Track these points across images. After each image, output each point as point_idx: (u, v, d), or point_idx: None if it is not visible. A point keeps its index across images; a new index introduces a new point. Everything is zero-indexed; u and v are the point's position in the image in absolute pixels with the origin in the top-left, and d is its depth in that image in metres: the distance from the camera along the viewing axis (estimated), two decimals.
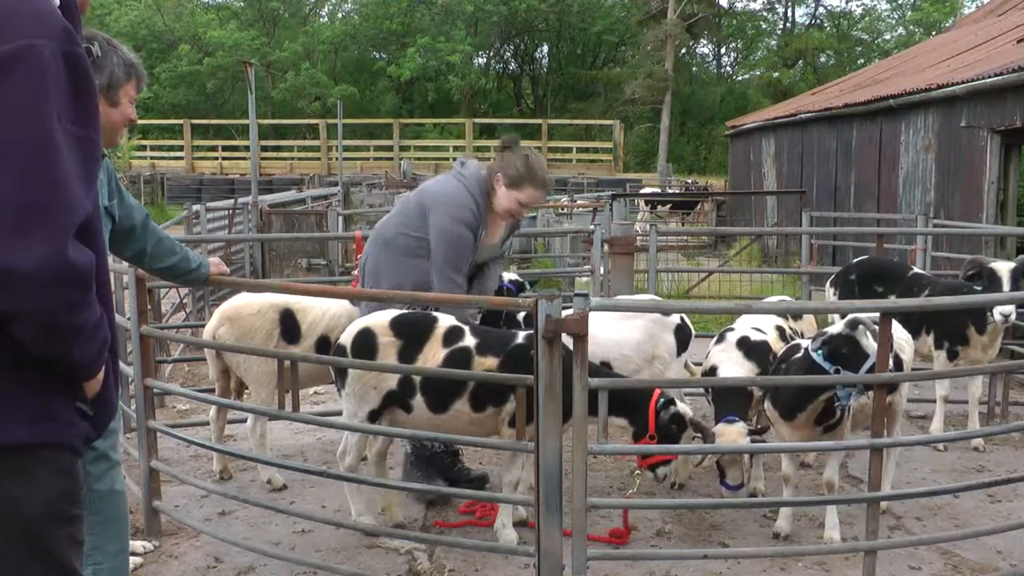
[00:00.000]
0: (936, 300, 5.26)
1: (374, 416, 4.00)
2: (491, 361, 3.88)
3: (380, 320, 4.05)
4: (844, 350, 3.67)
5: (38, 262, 1.64)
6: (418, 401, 3.95)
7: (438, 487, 4.31)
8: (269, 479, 4.95)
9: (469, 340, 3.95)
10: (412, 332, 3.98)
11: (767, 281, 10.97)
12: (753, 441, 4.21)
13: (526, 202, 4.44)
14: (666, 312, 4.91)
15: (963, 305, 5.40)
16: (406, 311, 4.16)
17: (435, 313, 4.13)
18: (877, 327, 3.52)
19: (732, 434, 4.22)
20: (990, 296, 5.19)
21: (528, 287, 5.67)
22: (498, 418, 3.96)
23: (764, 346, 4.66)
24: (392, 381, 3.96)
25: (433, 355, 3.92)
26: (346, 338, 4.06)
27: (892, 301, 5.35)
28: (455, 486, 4.51)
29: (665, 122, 36.13)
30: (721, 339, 4.78)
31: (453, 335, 3.96)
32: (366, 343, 3.97)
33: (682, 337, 5.02)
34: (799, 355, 4.05)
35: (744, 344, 4.65)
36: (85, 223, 1.76)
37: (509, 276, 5.59)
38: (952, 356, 5.71)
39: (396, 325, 4.01)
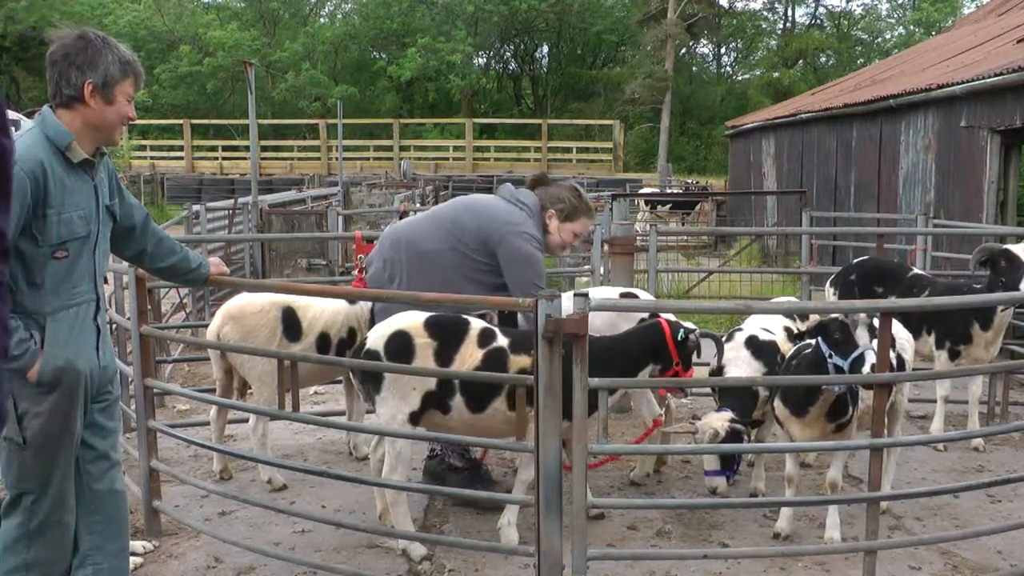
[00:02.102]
0: (937, 300, 5.26)
1: (415, 418, 3.90)
2: (525, 359, 3.83)
3: (413, 321, 3.93)
4: (837, 336, 3.75)
5: None
6: (457, 402, 3.89)
7: (438, 487, 4.30)
8: (269, 479, 4.95)
9: (502, 340, 3.92)
10: (448, 333, 3.91)
11: (767, 281, 10.97)
12: (736, 431, 4.22)
13: (580, 232, 4.43)
14: (663, 311, 4.90)
15: (963, 305, 5.40)
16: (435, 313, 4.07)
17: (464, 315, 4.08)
18: (874, 323, 3.55)
19: (713, 420, 4.24)
20: (990, 296, 5.19)
21: None
22: (531, 415, 3.92)
23: (772, 346, 4.67)
24: (431, 382, 3.87)
25: (471, 355, 3.87)
26: (377, 341, 3.89)
27: (892, 301, 5.34)
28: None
29: (665, 122, 36.13)
30: (730, 338, 4.79)
31: (487, 336, 3.92)
32: (402, 345, 3.85)
33: None
34: (809, 350, 4.07)
35: (752, 343, 4.66)
36: None
37: None
38: (954, 356, 5.69)
39: (431, 326, 3.91)
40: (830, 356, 3.77)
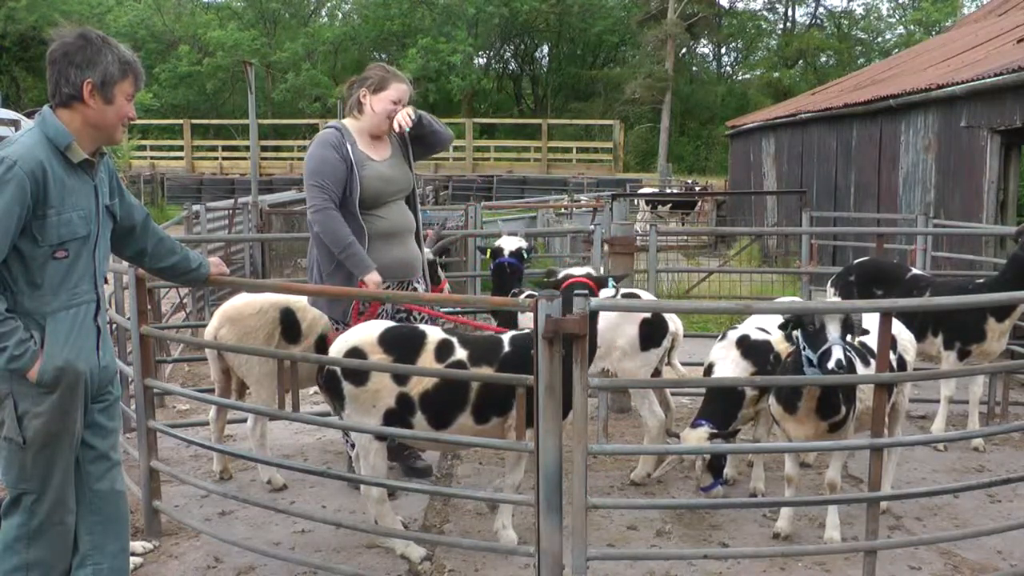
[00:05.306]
0: (938, 300, 5.24)
1: (381, 435, 3.87)
2: (486, 370, 3.80)
3: (368, 336, 3.87)
4: (810, 328, 3.76)
5: None
6: (419, 419, 3.83)
7: (438, 488, 4.30)
8: (269, 479, 4.95)
9: (461, 352, 3.85)
10: (403, 347, 3.84)
11: (767, 281, 10.97)
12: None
13: (396, 98, 4.52)
14: (666, 311, 4.90)
15: (964, 305, 5.38)
16: (393, 324, 4.06)
17: (421, 325, 4.08)
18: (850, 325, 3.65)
19: (691, 438, 4.23)
20: (990, 296, 5.18)
21: (527, 254, 5.53)
22: (504, 427, 3.88)
23: (764, 346, 4.64)
24: (390, 399, 3.82)
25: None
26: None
27: (892, 301, 5.33)
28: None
29: (665, 122, 36.14)
30: (724, 337, 4.79)
31: (444, 348, 3.85)
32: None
33: (649, 331, 4.90)
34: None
35: (743, 343, 4.64)
36: None
37: (509, 246, 5.49)
38: (963, 356, 5.66)
39: (385, 341, 3.84)
40: (804, 349, 3.80)
